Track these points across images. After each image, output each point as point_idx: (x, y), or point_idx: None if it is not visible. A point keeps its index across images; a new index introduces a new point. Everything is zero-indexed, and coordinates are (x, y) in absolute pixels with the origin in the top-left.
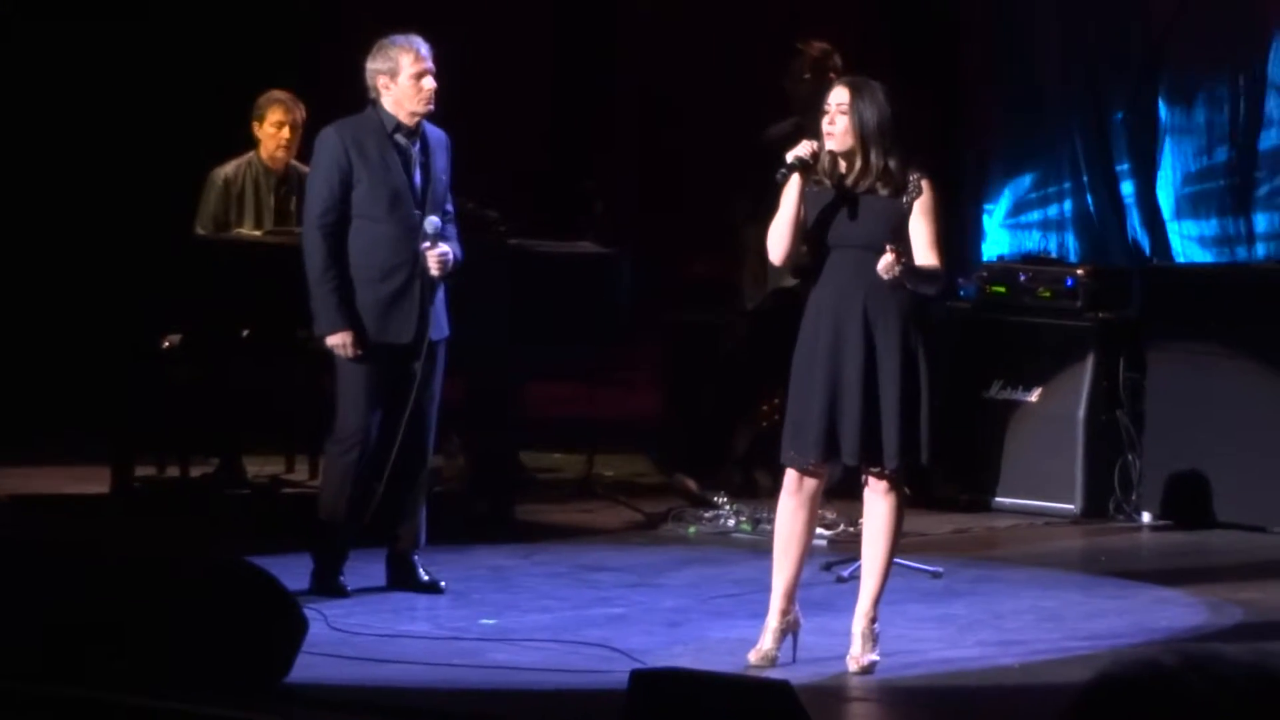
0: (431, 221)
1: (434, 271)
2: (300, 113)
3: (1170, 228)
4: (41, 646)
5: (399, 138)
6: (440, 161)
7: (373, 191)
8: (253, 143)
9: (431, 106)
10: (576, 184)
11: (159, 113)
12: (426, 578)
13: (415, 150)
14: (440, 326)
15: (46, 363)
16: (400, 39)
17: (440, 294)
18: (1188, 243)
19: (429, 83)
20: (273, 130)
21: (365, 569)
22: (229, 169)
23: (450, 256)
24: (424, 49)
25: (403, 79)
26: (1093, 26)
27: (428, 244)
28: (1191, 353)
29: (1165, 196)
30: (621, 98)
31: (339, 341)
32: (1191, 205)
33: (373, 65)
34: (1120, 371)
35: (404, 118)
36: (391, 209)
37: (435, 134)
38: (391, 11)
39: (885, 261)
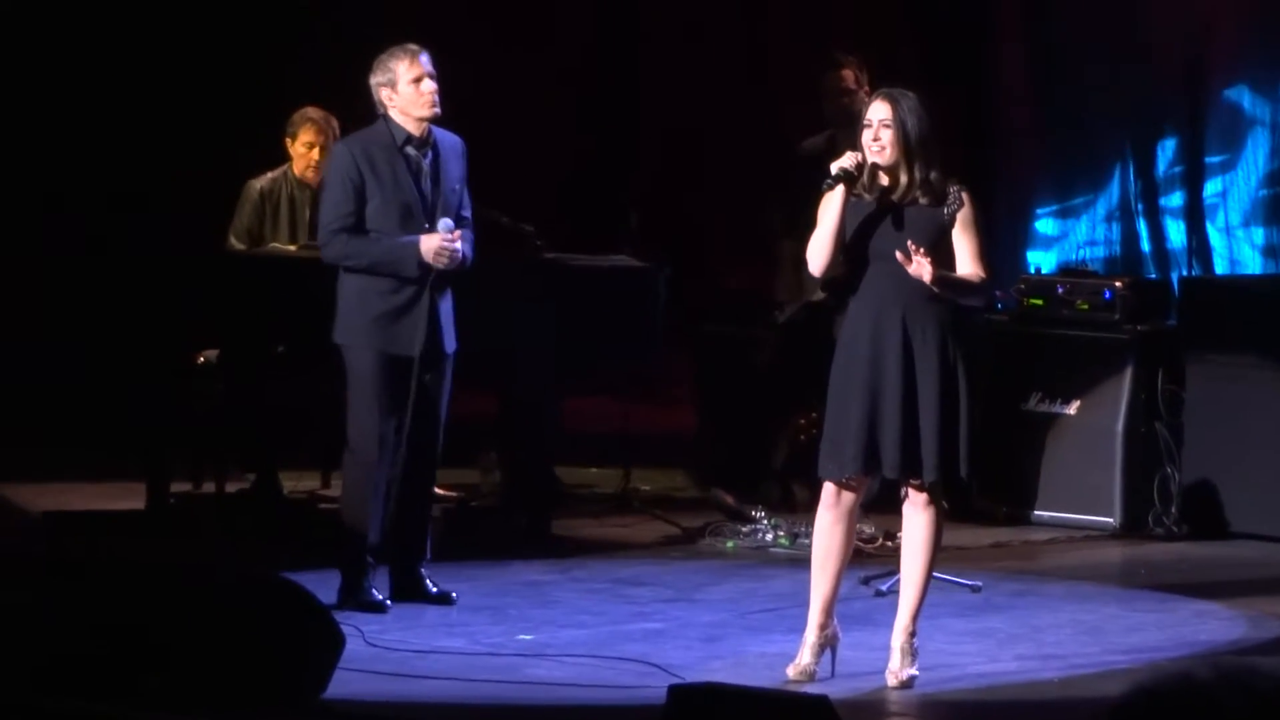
0: (444, 222)
1: (440, 264)
2: (333, 132)
3: (1239, 234)
4: (77, 663)
5: (409, 150)
6: (454, 169)
7: (384, 206)
8: (287, 156)
9: (437, 110)
10: (611, 197)
11: (194, 123)
12: (435, 589)
13: (426, 161)
14: (449, 340)
15: (82, 379)
16: (397, 49)
17: (449, 306)
18: (1254, 252)
19: (428, 85)
20: (304, 150)
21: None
22: (264, 181)
23: (460, 254)
24: (422, 55)
25: (402, 86)
26: (1128, 36)
27: (442, 227)
28: (1231, 364)
29: (1239, 199)
30: (651, 111)
31: (434, 245)
32: (1267, 209)
33: (374, 80)
34: (1159, 384)
35: (412, 127)
36: (403, 223)
37: (448, 140)
38: (426, 28)
39: (917, 265)
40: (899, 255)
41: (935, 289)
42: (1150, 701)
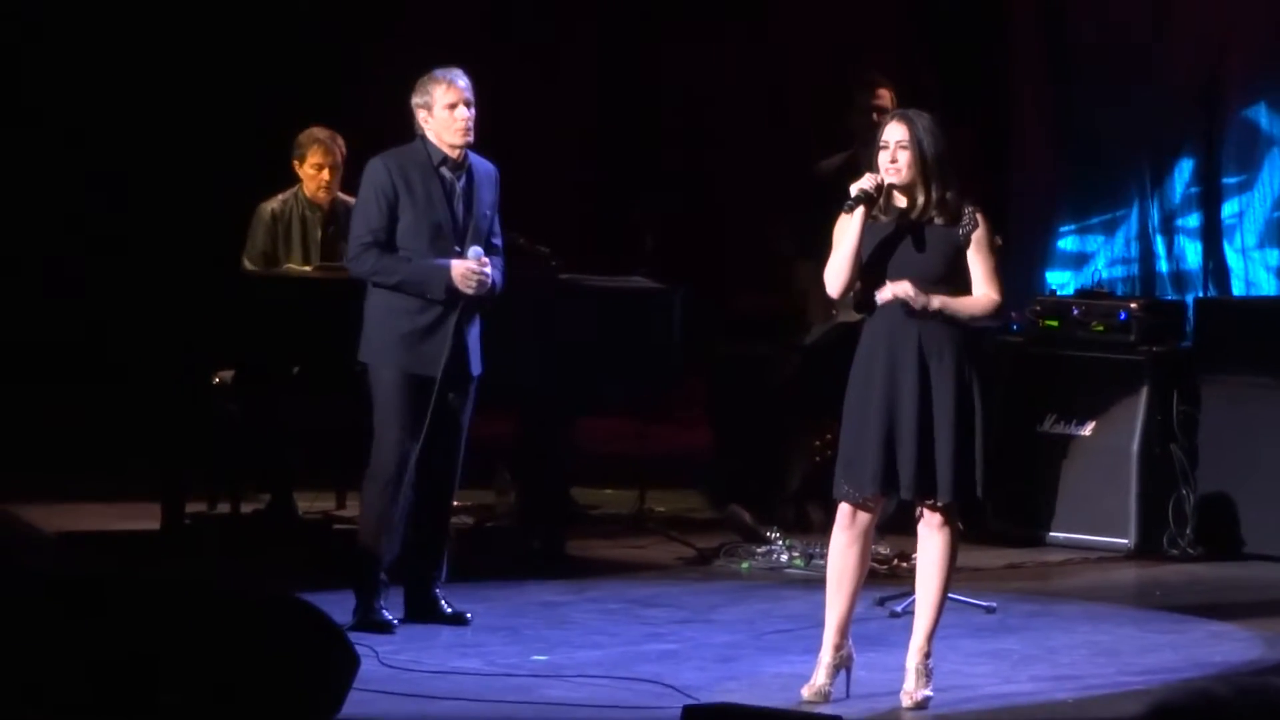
0: (475, 250)
1: (468, 289)
2: (340, 152)
3: (1254, 256)
4: (86, 683)
5: (444, 171)
6: (487, 195)
7: (415, 225)
8: (295, 178)
9: (470, 138)
10: (627, 218)
11: (205, 146)
12: (450, 610)
13: (460, 184)
14: (474, 363)
15: (97, 399)
16: (439, 72)
17: (475, 330)
18: (1269, 274)
19: (462, 113)
20: (313, 171)
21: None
22: (275, 203)
23: (490, 280)
24: (460, 80)
25: (438, 110)
26: (1145, 56)
27: (472, 255)
28: (1245, 385)
29: (1255, 220)
30: (667, 131)
31: (463, 269)
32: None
33: (414, 100)
34: (1174, 405)
35: (446, 150)
36: (432, 243)
37: (483, 167)
38: (438, 48)
39: (899, 290)
40: (887, 294)
41: (935, 314)
42: (1170, 717)
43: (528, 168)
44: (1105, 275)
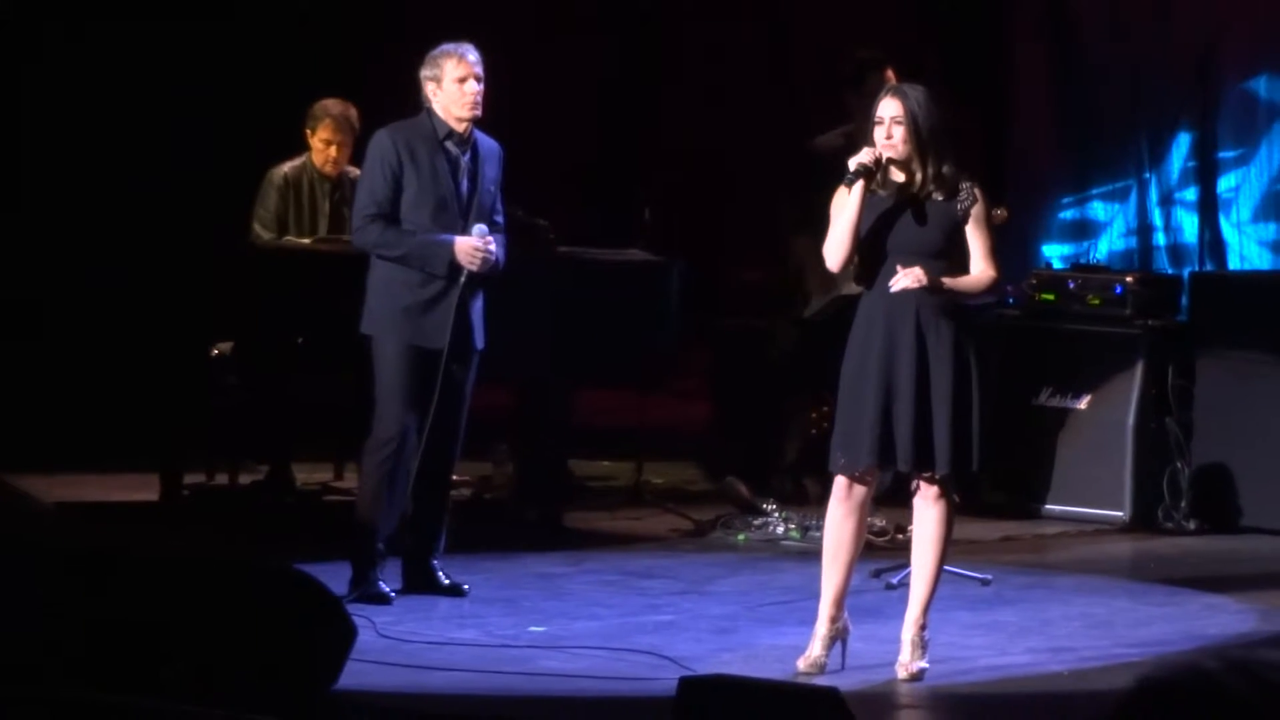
0: (479, 228)
1: (472, 266)
2: (350, 127)
3: (1248, 230)
4: (86, 653)
5: (450, 145)
6: (490, 171)
7: (419, 197)
8: (306, 145)
9: (478, 112)
10: (625, 191)
11: (210, 117)
12: (448, 581)
13: (465, 159)
14: (478, 336)
15: (96, 370)
16: (449, 46)
17: (479, 304)
18: (1262, 249)
19: (471, 87)
20: (321, 145)
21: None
22: (287, 168)
23: (494, 257)
24: (471, 55)
25: (447, 84)
26: (1145, 31)
27: (477, 233)
28: (1241, 359)
29: (1253, 193)
30: (668, 106)
31: (468, 246)
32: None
33: (423, 72)
34: (1169, 379)
35: (453, 124)
36: (436, 216)
37: (488, 143)
38: (448, 22)
39: (907, 281)
40: (895, 286)
41: (933, 292)
42: (1159, 692)
43: (527, 139)
44: (1103, 249)
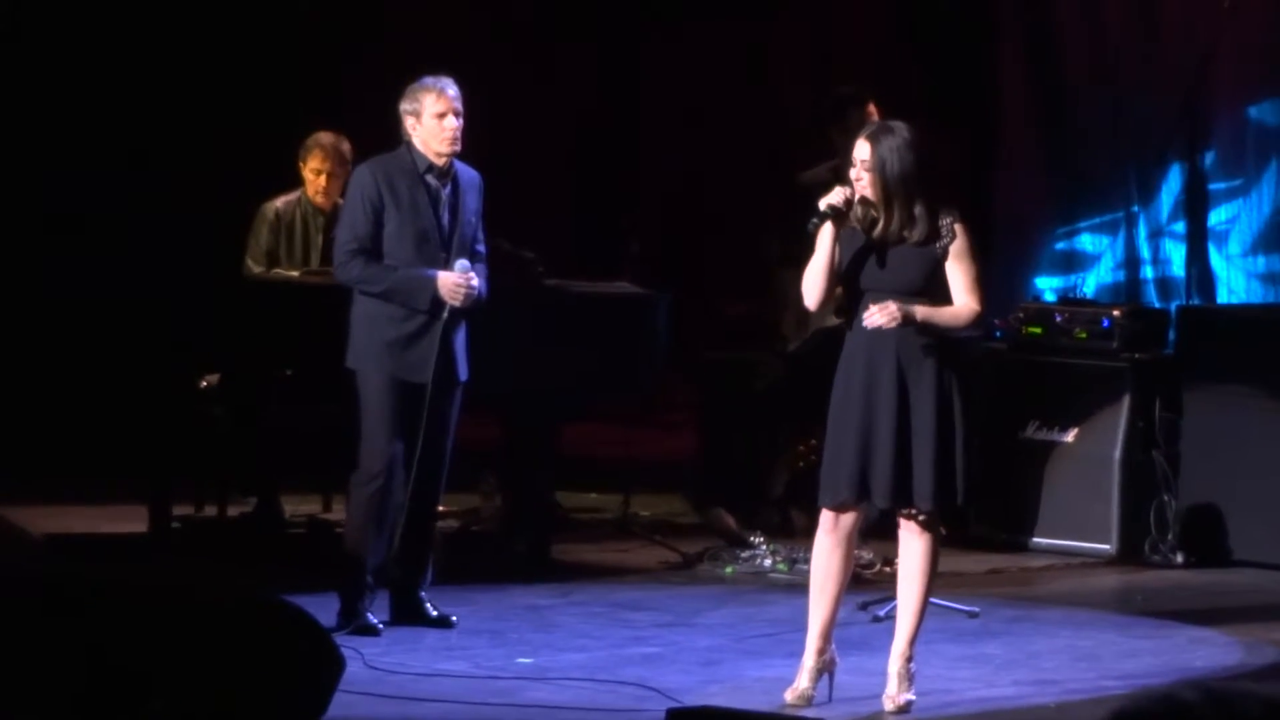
0: (461, 263)
1: (455, 301)
2: (341, 159)
3: (1238, 264)
4: (73, 686)
5: (430, 179)
6: (471, 202)
7: (400, 231)
8: (301, 180)
9: (457, 147)
10: (612, 223)
11: (202, 149)
12: (436, 613)
13: (446, 192)
14: (461, 368)
15: (84, 401)
16: (429, 80)
17: (462, 336)
18: (1251, 281)
19: (450, 122)
20: (312, 176)
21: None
22: (279, 204)
23: (477, 291)
24: (450, 90)
25: (426, 119)
26: (1131, 61)
27: (459, 269)
28: (1228, 393)
29: (1250, 225)
30: (652, 139)
31: (450, 282)
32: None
33: (402, 106)
34: (1156, 412)
35: (433, 158)
36: (418, 250)
37: (468, 174)
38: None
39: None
40: (868, 322)
41: (910, 325)
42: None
43: (513, 172)
44: (1092, 282)
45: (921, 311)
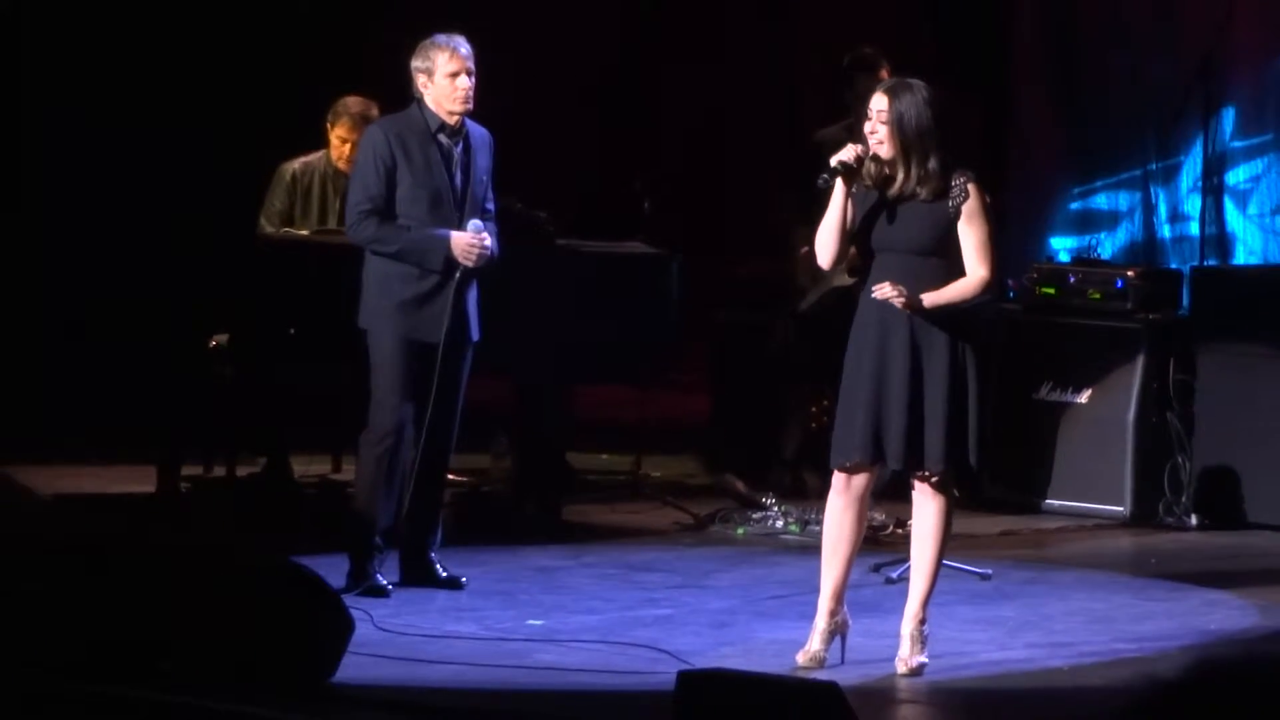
0: (474, 223)
1: (468, 261)
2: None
3: (1257, 223)
4: (86, 645)
5: (441, 137)
6: (482, 161)
7: (414, 191)
8: (327, 140)
9: (469, 105)
10: (625, 183)
11: (216, 111)
12: (445, 574)
13: (458, 150)
14: (473, 328)
15: (93, 362)
16: (441, 38)
17: (474, 295)
18: (1271, 240)
19: (463, 81)
20: (338, 142)
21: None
22: (297, 165)
23: (489, 251)
24: (462, 48)
25: (439, 77)
26: (1149, 18)
27: (471, 229)
28: (1242, 354)
29: (1275, 184)
30: (669, 98)
31: (463, 243)
32: None
33: (414, 64)
34: (1170, 373)
35: (445, 116)
36: (432, 210)
37: (478, 132)
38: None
39: (893, 293)
40: (877, 293)
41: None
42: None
43: (527, 133)
44: (1109, 242)
45: (929, 299)
